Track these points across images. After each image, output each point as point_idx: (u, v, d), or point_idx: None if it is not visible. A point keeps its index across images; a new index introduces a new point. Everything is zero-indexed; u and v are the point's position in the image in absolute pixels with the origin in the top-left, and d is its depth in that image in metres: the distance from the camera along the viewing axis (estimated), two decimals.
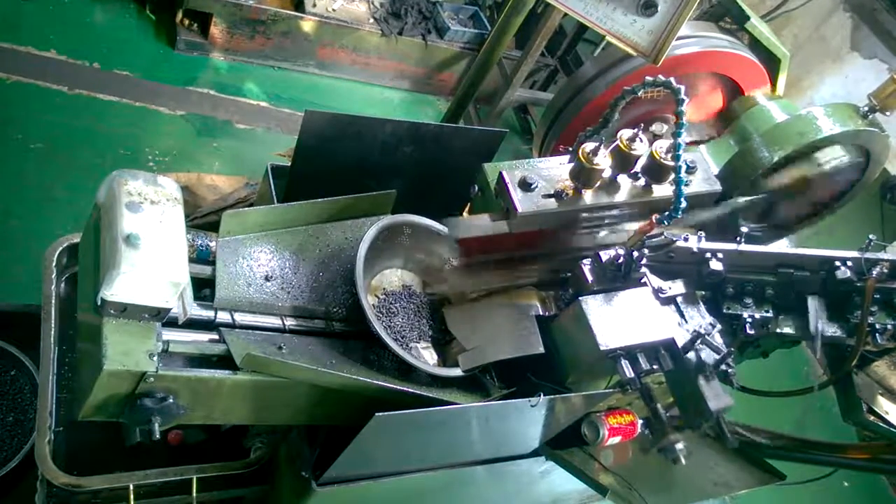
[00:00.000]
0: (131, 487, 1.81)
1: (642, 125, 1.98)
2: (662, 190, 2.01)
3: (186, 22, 4.10)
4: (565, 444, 2.10)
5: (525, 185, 1.88)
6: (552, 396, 1.76)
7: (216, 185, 3.39)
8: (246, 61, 4.23)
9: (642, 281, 1.93)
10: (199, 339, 1.60)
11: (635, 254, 1.87)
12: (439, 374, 1.80)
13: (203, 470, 1.90)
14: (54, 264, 1.91)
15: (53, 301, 1.88)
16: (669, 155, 1.92)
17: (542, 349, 1.85)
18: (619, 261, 1.88)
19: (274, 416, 1.77)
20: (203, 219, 2.91)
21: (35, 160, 3.24)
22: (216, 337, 1.62)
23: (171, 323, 1.57)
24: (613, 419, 2.05)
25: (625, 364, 1.78)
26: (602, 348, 1.76)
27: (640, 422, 2.10)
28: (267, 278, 1.80)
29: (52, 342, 1.83)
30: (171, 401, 1.47)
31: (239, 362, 1.54)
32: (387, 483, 1.89)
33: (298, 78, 4.36)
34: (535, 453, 2.12)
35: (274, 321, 1.75)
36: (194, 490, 1.89)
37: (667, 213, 1.75)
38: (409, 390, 1.69)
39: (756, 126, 2.31)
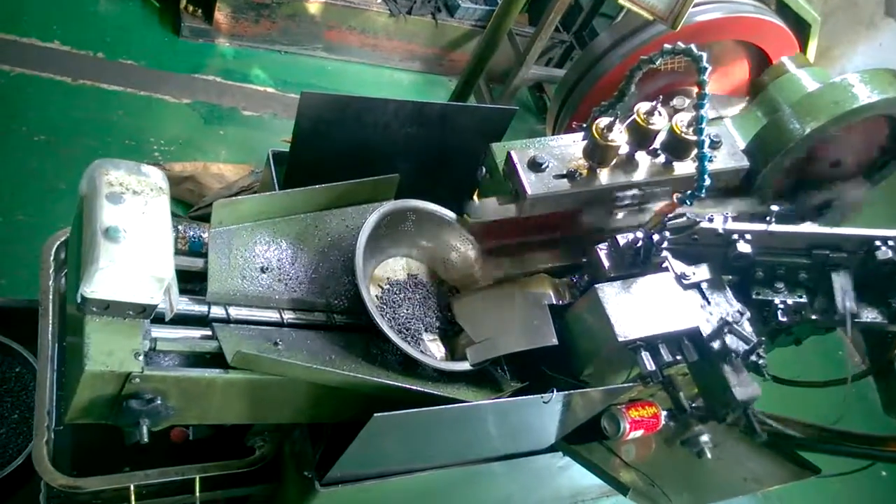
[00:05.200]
0: (132, 488, 1.76)
1: (661, 99, 1.85)
2: (684, 167, 1.88)
3: (191, 8, 4.03)
4: (585, 437, 2.00)
5: (535, 166, 1.78)
6: (567, 392, 1.66)
7: (222, 174, 3.34)
8: (252, 46, 4.15)
9: (663, 266, 1.81)
10: (191, 336, 1.52)
11: (655, 237, 1.75)
12: (446, 368, 1.71)
13: (205, 469, 1.83)
14: (52, 258, 1.84)
15: (51, 296, 1.81)
16: (691, 129, 1.80)
17: (555, 341, 1.74)
18: (638, 245, 1.77)
19: (273, 415, 1.69)
20: (207, 209, 2.83)
21: (39, 153, 3.20)
22: (209, 333, 1.54)
23: (161, 319, 1.48)
24: (635, 412, 1.94)
25: (645, 356, 1.68)
26: (620, 339, 1.66)
27: (664, 413, 1.99)
28: (263, 270, 1.71)
29: (51, 338, 1.77)
30: (158, 402, 1.40)
31: (230, 360, 1.46)
32: (394, 482, 1.81)
33: (306, 62, 4.28)
34: (552, 448, 2.02)
35: (271, 315, 1.66)
36: (197, 489, 1.84)
37: (689, 192, 1.65)
38: (413, 387, 1.60)
39: (786, 96, 2.16)
